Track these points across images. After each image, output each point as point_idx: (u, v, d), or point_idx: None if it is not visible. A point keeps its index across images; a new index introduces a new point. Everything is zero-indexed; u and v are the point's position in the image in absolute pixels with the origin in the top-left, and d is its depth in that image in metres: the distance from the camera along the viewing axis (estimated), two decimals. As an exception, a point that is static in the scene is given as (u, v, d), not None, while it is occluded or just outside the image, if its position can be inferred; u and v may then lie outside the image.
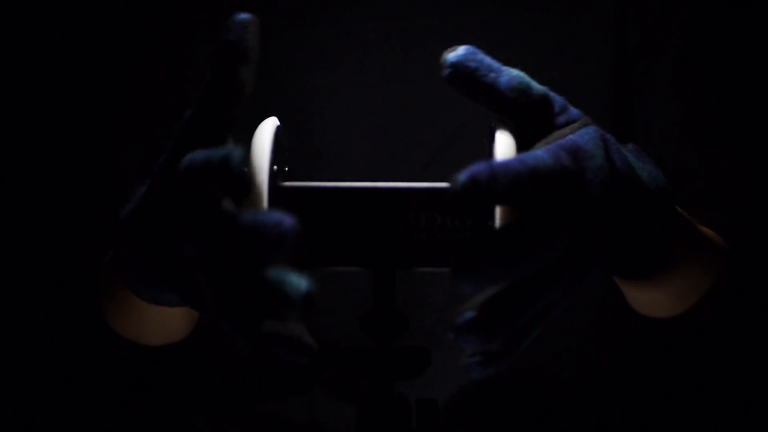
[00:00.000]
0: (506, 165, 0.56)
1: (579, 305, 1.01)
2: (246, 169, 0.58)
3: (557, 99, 0.64)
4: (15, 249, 1.26)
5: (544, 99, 0.63)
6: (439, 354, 0.94)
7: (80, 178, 1.10)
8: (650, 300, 0.81)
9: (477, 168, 0.55)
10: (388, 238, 0.62)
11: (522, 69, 0.99)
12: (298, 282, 0.55)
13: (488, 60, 0.62)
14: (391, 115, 0.99)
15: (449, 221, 0.62)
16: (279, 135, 0.63)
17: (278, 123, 0.63)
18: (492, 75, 0.61)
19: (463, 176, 0.55)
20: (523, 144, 0.62)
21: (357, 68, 1.00)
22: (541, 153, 0.58)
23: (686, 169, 1.01)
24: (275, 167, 0.62)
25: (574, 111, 0.64)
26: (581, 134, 0.62)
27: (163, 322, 0.85)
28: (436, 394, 0.95)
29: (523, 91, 0.62)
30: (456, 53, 0.62)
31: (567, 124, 0.63)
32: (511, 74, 0.62)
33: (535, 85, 0.63)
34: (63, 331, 0.99)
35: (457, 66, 0.61)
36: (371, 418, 0.63)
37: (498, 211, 0.59)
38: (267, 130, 0.62)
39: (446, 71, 0.62)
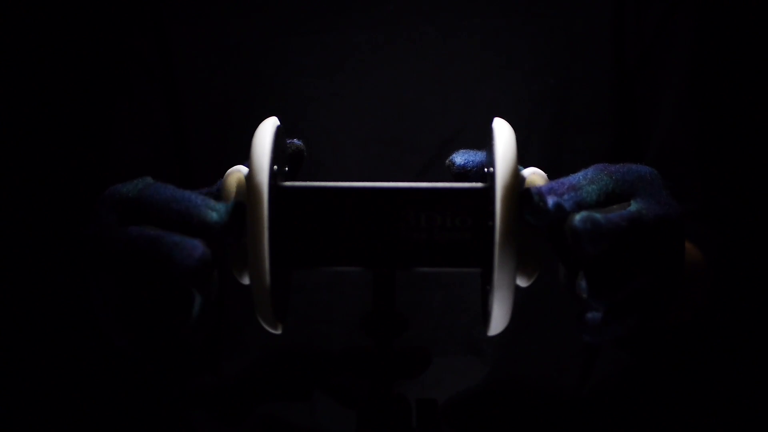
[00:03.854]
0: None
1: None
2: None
3: None
4: (21, 252, 1.26)
5: None
6: (438, 359, 0.94)
7: (76, 201, 1.10)
8: None
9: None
10: (388, 238, 0.62)
11: (516, 75, 1.00)
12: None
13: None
14: (386, 122, 0.99)
15: (449, 221, 0.62)
16: (279, 135, 0.63)
17: (278, 123, 0.63)
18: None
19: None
20: None
21: (351, 76, 1.00)
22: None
23: (686, 187, 1.02)
24: (275, 167, 0.62)
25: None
26: None
27: None
28: (435, 397, 0.95)
29: None
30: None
31: None
32: None
33: None
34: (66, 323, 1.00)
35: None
36: (371, 417, 0.62)
37: (498, 211, 0.59)
38: (267, 130, 0.62)
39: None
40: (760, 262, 1.01)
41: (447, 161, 0.69)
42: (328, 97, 1.00)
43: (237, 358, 1.02)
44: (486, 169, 0.64)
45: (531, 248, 0.62)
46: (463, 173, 0.68)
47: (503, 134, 0.62)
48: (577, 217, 0.58)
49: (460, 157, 0.68)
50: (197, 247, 0.59)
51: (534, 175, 0.64)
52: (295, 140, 0.69)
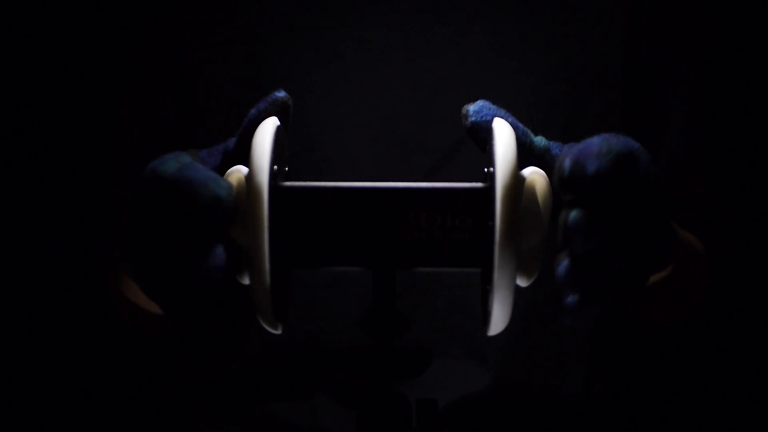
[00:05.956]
0: None
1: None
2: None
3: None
4: (33, 250, 1.27)
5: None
6: (441, 361, 0.94)
7: (86, 192, 1.11)
8: None
9: None
10: (388, 238, 0.62)
11: (529, 80, 0.99)
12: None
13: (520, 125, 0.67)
14: (396, 121, 0.99)
15: (449, 221, 0.62)
16: (279, 135, 0.63)
17: (278, 123, 0.63)
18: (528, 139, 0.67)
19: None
20: None
21: (362, 74, 1.00)
22: None
23: (693, 198, 1.02)
24: (275, 167, 0.62)
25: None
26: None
27: None
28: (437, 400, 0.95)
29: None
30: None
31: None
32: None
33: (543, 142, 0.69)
34: (74, 320, 1.01)
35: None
36: (372, 417, 0.63)
37: (498, 211, 0.59)
38: (267, 130, 0.62)
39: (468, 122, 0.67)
40: (764, 270, 1.01)
41: (463, 110, 0.68)
42: (339, 93, 1.00)
43: (237, 355, 1.02)
44: (486, 169, 0.64)
45: (531, 248, 0.62)
46: (474, 131, 0.67)
47: (503, 134, 0.62)
48: (573, 214, 0.59)
49: (476, 114, 0.67)
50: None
51: (534, 174, 0.63)
52: (278, 93, 0.68)
